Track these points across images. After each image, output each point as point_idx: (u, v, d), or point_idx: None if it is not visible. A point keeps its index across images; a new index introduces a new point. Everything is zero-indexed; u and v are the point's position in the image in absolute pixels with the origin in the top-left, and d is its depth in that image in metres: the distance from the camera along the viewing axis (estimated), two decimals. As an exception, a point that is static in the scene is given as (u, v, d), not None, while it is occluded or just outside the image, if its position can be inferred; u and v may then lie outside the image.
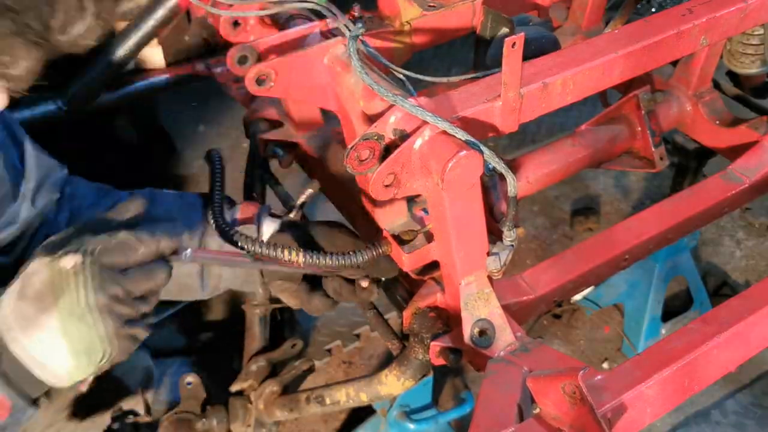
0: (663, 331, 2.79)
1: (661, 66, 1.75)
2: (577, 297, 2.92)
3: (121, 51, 2.26)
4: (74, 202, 1.55)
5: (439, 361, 1.41)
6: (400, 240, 1.42)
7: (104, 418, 1.83)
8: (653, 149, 1.85)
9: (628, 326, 2.83)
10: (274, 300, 2.26)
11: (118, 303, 1.11)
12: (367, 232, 1.66)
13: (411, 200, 1.49)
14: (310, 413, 1.88)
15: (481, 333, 1.33)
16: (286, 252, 1.35)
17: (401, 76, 1.34)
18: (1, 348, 1.08)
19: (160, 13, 2.18)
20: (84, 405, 1.52)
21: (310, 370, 2.09)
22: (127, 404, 2.00)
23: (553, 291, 1.57)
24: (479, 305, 1.34)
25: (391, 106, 1.18)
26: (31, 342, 1.08)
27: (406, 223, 1.46)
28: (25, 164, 1.41)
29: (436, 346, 1.40)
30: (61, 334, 1.07)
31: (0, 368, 1.09)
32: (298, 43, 1.44)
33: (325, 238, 1.50)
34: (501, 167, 1.18)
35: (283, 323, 2.54)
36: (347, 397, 1.74)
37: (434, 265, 1.44)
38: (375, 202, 1.41)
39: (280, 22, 1.54)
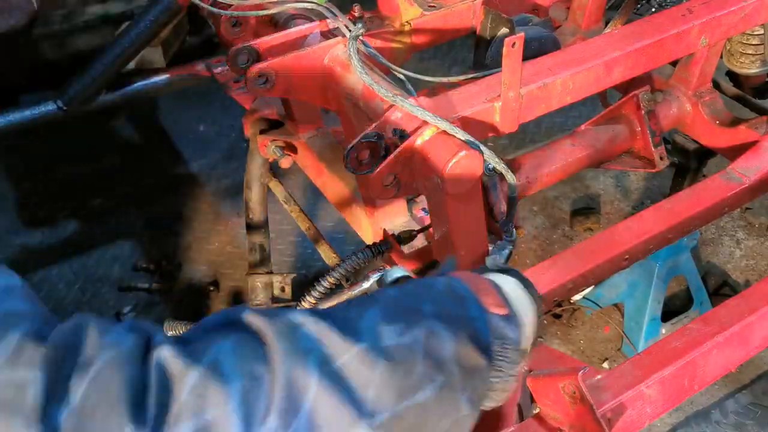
0: (663, 331, 2.79)
1: (661, 66, 1.75)
2: (577, 297, 2.91)
3: (121, 51, 2.26)
4: None
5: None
6: (400, 240, 1.42)
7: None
8: (653, 149, 1.85)
9: (628, 326, 2.83)
10: (276, 300, 2.26)
11: None
12: (368, 232, 1.66)
13: (411, 200, 1.50)
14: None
15: (481, 333, 1.33)
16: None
17: (401, 76, 1.34)
18: None
19: (159, 13, 2.18)
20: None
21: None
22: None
23: (553, 291, 1.57)
24: (479, 305, 1.33)
25: (391, 106, 1.18)
26: None
27: (406, 223, 1.46)
28: None
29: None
30: None
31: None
32: (298, 43, 1.44)
33: None
34: (501, 167, 1.19)
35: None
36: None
37: (434, 265, 1.44)
38: (375, 202, 1.41)
39: (280, 22, 1.54)
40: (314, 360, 0.77)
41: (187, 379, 0.71)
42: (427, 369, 0.83)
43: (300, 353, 0.77)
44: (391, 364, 0.80)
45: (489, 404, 0.95)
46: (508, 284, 1.02)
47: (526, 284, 1.04)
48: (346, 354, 0.79)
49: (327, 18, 1.42)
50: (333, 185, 1.76)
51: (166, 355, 0.72)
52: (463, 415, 0.87)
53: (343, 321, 0.83)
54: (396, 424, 0.79)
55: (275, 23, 1.56)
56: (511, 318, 0.96)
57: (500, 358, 0.92)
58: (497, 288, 1.00)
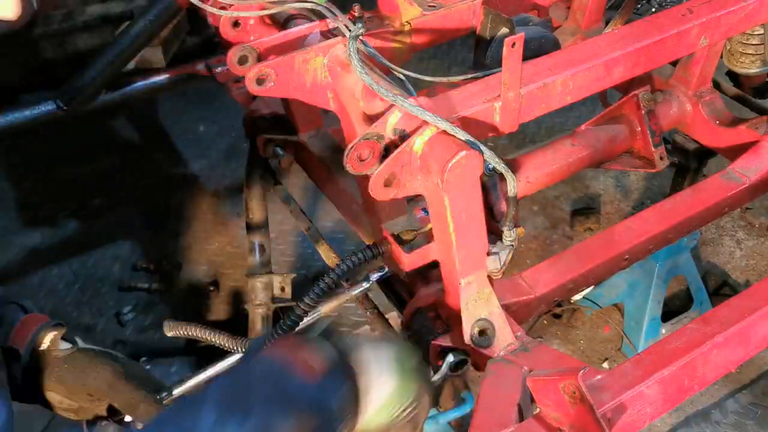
0: (663, 331, 2.79)
1: (661, 66, 1.75)
2: (577, 297, 2.92)
3: (121, 51, 2.26)
4: None
5: (440, 362, 1.41)
6: (400, 240, 1.42)
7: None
8: (653, 149, 1.85)
9: (628, 326, 2.83)
10: (276, 300, 2.26)
11: None
12: (368, 232, 1.66)
13: (411, 200, 1.50)
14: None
15: (481, 333, 1.33)
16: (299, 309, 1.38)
17: (401, 76, 1.34)
18: None
19: (159, 13, 2.18)
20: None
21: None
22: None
23: (553, 291, 1.57)
24: (479, 305, 1.34)
25: (391, 106, 1.18)
26: None
27: (406, 223, 1.46)
28: None
29: (436, 346, 1.40)
30: None
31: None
32: (298, 43, 1.44)
33: (83, 368, 1.35)
34: (501, 167, 1.18)
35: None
36: (347, 397, 1.73)
37: (434, 265, 1.44)
38: (375, 202, 1.41)
39: (280, 22, 1.54)
40: None
41: None
42: None
43: None
44: None
45: None
46: (325, 348, 1.09)
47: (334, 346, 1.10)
48: None
49: (327, 18, 1.42)
50: (333, 185, 1.75)
51: None
52: None
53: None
54: None
55: (275, 23, 1.56)
56: (328, 382, 1.03)
57: (326, 422, 0.99)
58: (314, 353, 1.06)
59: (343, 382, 1.06)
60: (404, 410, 1.14)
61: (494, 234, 1.34)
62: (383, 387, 1.12)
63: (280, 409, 0.95)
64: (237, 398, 0.95)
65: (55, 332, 1.33)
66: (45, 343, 1.32)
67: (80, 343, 1.38)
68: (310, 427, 0.96)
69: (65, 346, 1.35)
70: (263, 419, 0.92)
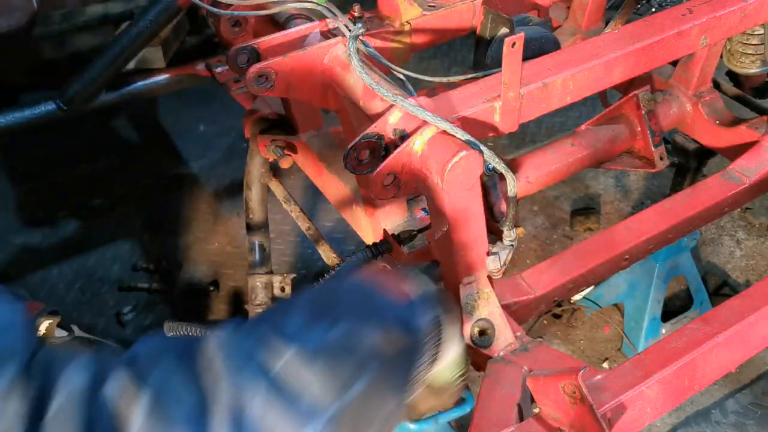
0: (663, 331, 2.79)
1: (661, 66, 1.75)
2: (577, 297, 2.91)
3: (121, 51, 2.26)
4: None
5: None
6: (400, 240, 1.42)
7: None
8: (653, 149, 1.85)
9: (628, 326, 2.83)
10: (276, 298, 2.26)
11: None
12: (368, 232, 1.66)
13: (411, 200, 1.50)
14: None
15: (481, 333, 1.33)
16: None
17: (401, 76, 1.34)
18: None
19: (159, 13, 2.18)
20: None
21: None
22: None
23: (553, 291, 1.57)
24: (479, 305, 1.34)
25: (391, 106, 1.18)
26: None
27: (406, 223, 1.46)
28: None
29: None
30: None
31: None
32: (298, 43, 1.44)
33: None
34: (501, 167, 1.19)
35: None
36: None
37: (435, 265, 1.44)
38: (375, 202, 1.41)
39: (280, 22, 1.55)
40: (254, 368, 0.81)
41: (135, 416, 0.76)
42: (358, 361, 0.87)
43: (240, 366, 0.81)
44: (326, 362, 0.84)
45: (415, 390, 1.00)
46: (421, 279, 1.10)
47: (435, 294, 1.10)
48: (282, 358, 0.82)
49: (327, 18, 1.42)
50: (333, 185, 1.75)
51: (114, 389, 0.77)
52: (400, 401, 0.92)
53: (272, 328, 0.88)
54: (342, 420, 0.82)
55: (275, 23, 1.56)
56: (419, 307, 1.02)
57: (410, 343, 0.98)
58: (408, 281, 1.06)
59: (433, 313, 1.04)
60: (460, 377, 1.16)
61: (494, 234, 1.34)
62: (455, 346, 1.13)
63: (367, 321, 0.93)
64: (325, 308, 0.94)
65: (51, 320, 1.33)
66: (41, 331, 1.32)
67: (77, 331, 1.38)
68: (396, 346, 0.93)
69: (61, 334, 1.35)
70: (350, 328, 0.90)
